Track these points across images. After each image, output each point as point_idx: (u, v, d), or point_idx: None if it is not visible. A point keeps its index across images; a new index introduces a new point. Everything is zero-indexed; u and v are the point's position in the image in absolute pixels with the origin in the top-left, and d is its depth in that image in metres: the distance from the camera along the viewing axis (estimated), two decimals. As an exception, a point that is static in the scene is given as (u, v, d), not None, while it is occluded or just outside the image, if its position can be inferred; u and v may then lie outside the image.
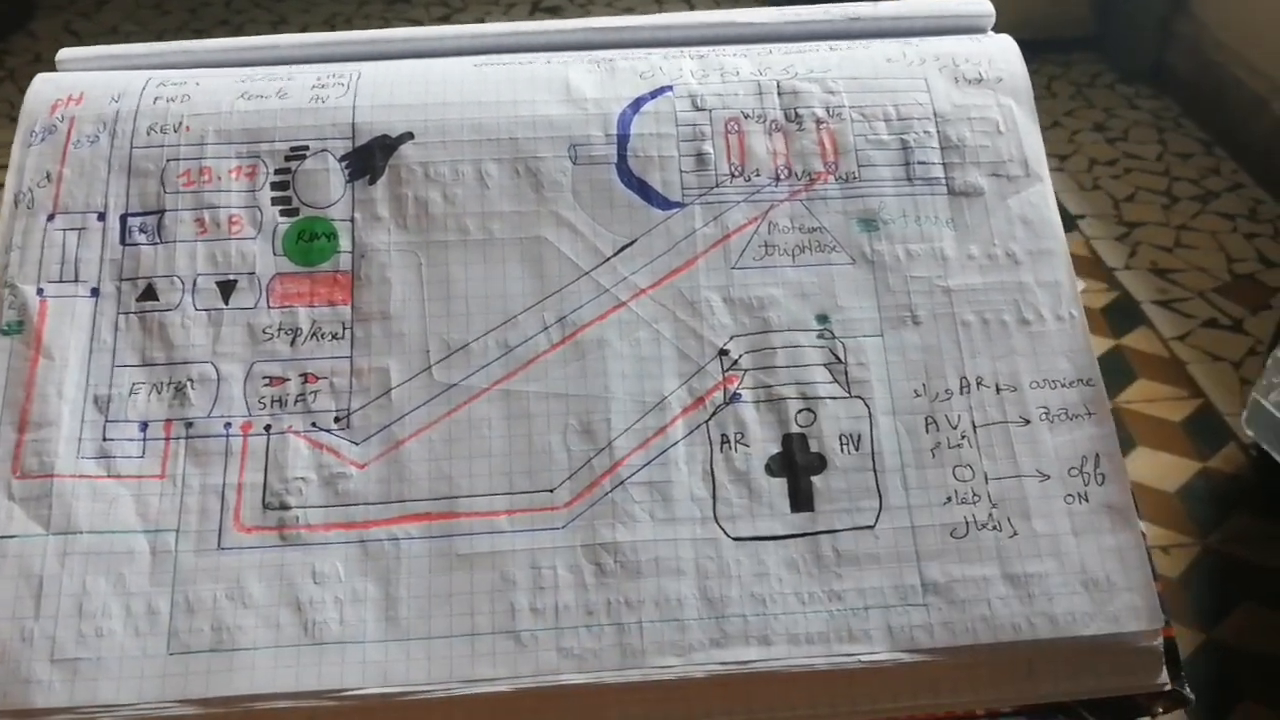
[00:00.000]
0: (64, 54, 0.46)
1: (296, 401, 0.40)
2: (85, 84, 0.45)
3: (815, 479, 0.40)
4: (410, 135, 0.44)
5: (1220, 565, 0.76)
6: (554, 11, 1.77)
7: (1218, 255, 1.09)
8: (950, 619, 0.38)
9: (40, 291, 0.41)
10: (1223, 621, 0.72)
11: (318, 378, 0.41)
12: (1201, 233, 1.13)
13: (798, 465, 0.40)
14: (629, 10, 1.76)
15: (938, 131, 0.44)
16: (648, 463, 0.40)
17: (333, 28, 1.75)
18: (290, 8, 1.81)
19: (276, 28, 1.77)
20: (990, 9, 0.48)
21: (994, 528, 0.39)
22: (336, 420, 0.40)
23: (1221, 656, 0.69)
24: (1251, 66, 1.15)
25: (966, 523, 0.39)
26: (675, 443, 0.40)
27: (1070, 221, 1.14)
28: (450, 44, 0.47)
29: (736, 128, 0.44)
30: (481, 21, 1.79)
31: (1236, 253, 1.06)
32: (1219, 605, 0.73)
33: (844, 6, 0.48)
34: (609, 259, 0.42)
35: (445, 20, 1.78)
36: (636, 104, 0.44)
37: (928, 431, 0.40)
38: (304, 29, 1.77)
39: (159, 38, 1.74)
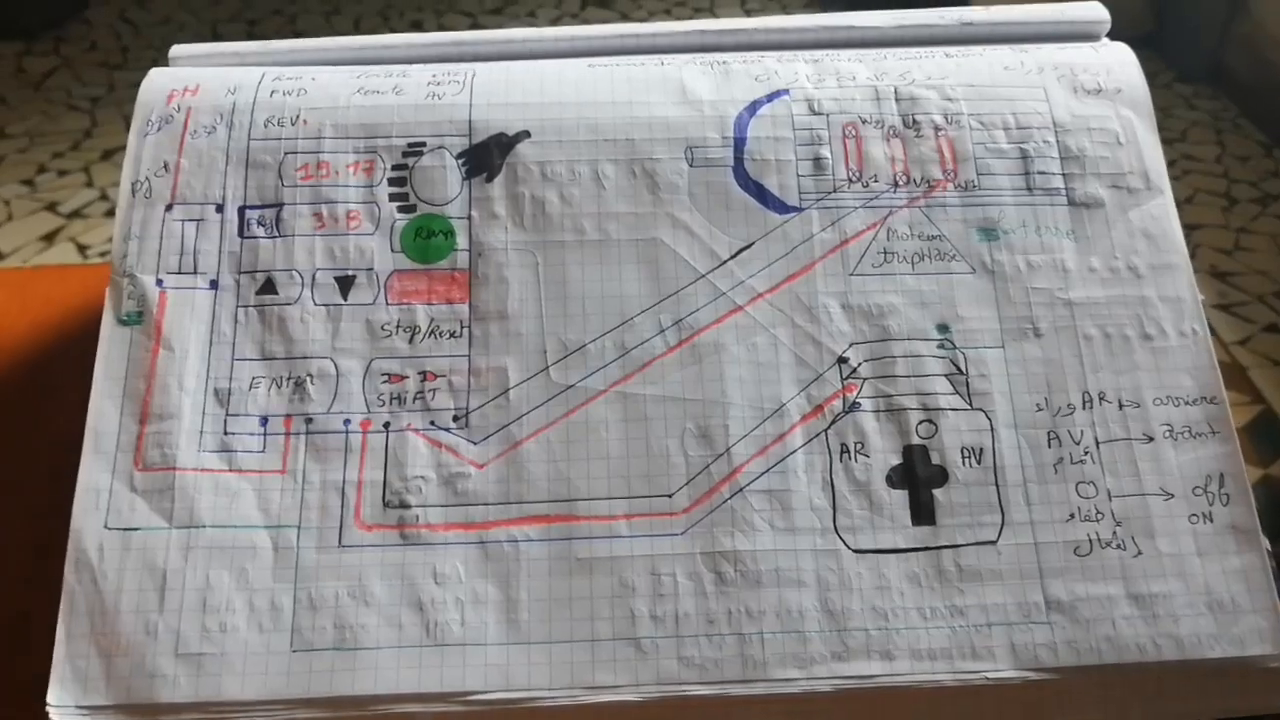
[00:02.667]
0: (176, 50, 0.46)
1: (415, 399, 0.40)
2: (200, 76, 0.45)
3: (936, 492, 0.39)
4: (527, 133, 0.43)
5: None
6: (605, 4, 1.76)
7: (1278, 259, 1.08)
8: (1074, 638, 0.38)
9: (159, 282, 0.41)
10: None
11: (436, 375, 0.41)
12: (1261, 235, 1.12)
13: (919, 477, 0.40)
14: (680, 4, 1.75)
15: (1057, 141, 0.44)
16: (766, 470, 0.40)
17: (385, 18, 1.75)
18: (343, -4, 1.81)
19: (330, 18, 1.77)
20: (1106, 15, 0.47)
21: (1118, 546, 0.39)
22: (455, 419, 0.40)
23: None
24: (1314, 69, 1.14)
25: (1090, 540, 0.39)
26: (794, 451, 0.40)
27: (1129, 222, 1.13)
28: (562, 45, 0.47)
29: (854, 133, 0.44)
30: (533, 13, 1.79)
31: (1297, 256, 1.05)
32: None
33: (958, 11, 0.48)
34: (725, 262, 0.42)
35: (499, 10, 1.78)
36: (753, 107, 0.44)
37: (1050, 446, 0.40)
38: (357, 19, 1.77)
39: (213, 27, 1.75)
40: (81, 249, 1.29)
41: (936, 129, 0.44)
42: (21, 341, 0.48)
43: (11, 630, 0.40)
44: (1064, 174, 0.43)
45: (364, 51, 0.47)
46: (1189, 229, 1.15)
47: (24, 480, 0.44)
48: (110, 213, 1.34)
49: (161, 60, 0.46)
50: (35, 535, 0.42)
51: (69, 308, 0.49)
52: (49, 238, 1.31)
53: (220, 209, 0.42)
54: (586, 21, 1.77)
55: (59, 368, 0.47)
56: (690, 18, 1.78)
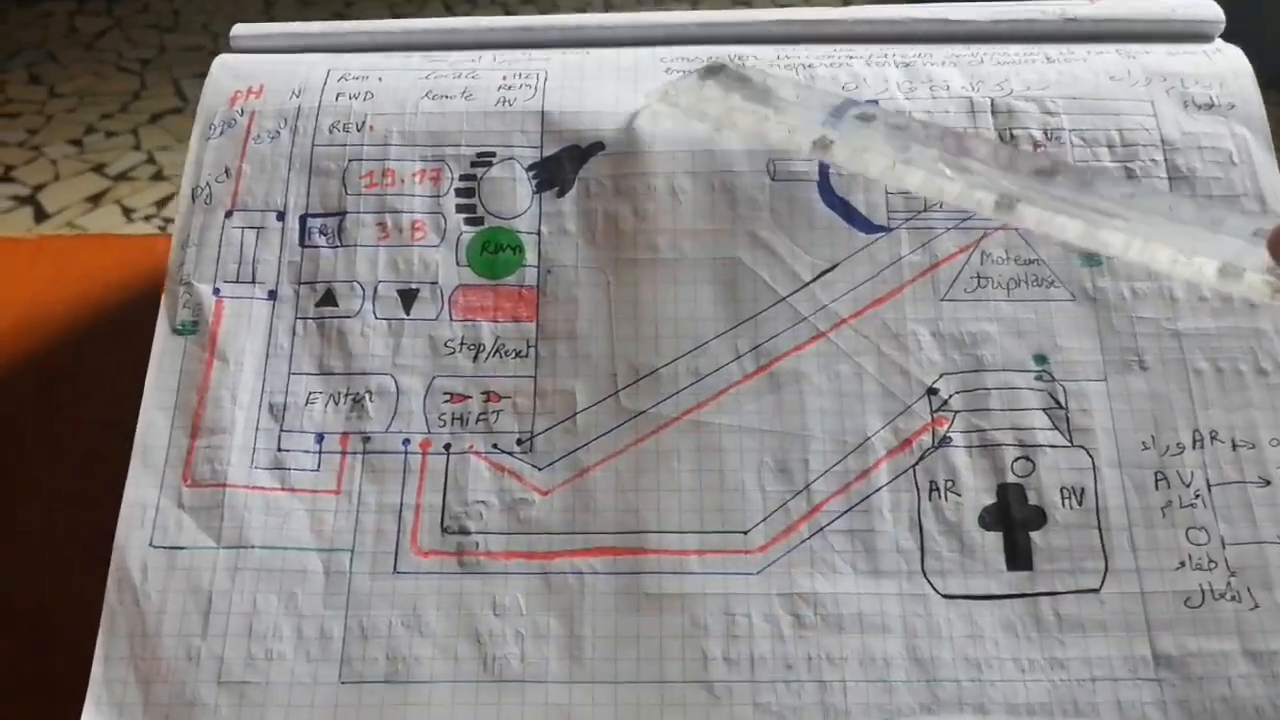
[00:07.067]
0: (238, 30, 0.45)
1: (478, 420, 0.38)
2: (265, 74, 0.43)
3: (1034, 534, 0.36)
4: (601, 146, 0.41)
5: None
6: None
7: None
8: (1186, 697, 0.34)
9: (216, 291, 0.39)
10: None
11: (500, 397, 0.39)
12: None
13: (1014, 519, 0.37)
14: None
15: (1165, 160, 0.41)
16: (849, 509, 0.37)
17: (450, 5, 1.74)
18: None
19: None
20: (1220, 14, 0.44)
21: (1233, 598, 0.36)
22: (519, 443, 0.38)
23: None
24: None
25: (1202, 591, 0.36)
26: (879, 488, 0.37)
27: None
28: (639, 33, 0.45)
29: (947, 150, 0.41)
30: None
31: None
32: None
33: (1061, 5, 0.45)
34: (808, 284, 0.40)
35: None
36: (839, 120, 0.42)
37: (1157, 488, 0.37)
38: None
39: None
40: (127, 212, 1.29)
41: (1035, 145, 0.41)
42: (61, 314, 0.46)
43: (34, 621, 0.39)
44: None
45: (432, 35, 0.45)
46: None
47: (55, 461, 0.43)
48: (157, 176, 1.34)
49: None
50: (63, 520, 0.40)
51: (110, 280, 0.47)
52: (95, 199, 1.31)
53: (281, 217, 0.41)
54: (661, -5, 1.75)
55: (97, 344, 0.46)
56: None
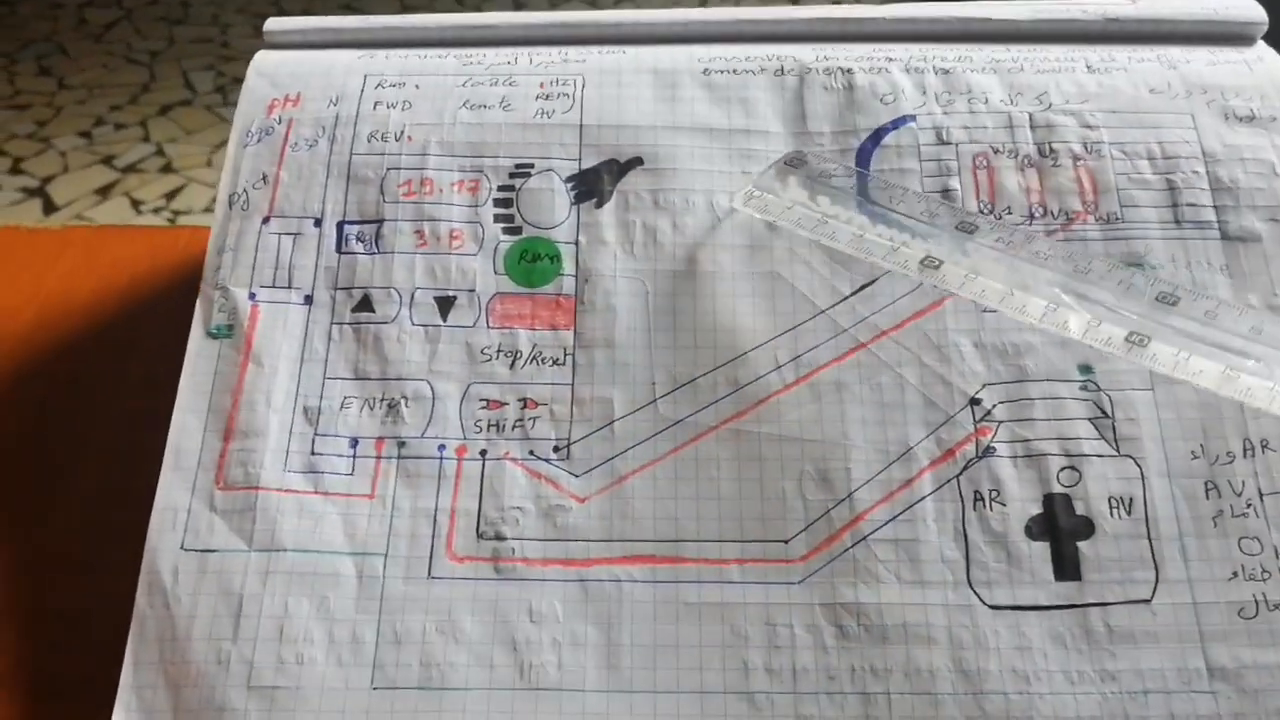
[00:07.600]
0: (272, 24, 0.45)
1: (514, 427, 0.38)
2: (301, 82, 0.43)
3: (1082, 545, 0.36)
4: (639, 160, 0.41)
5: None
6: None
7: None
8: (1242, 710, 0.33)
9: (252, 296, 0.39)
10: None
11: (537, 404, 0.38)
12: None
13: (1062, 529, 0.36)
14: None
15: (1207, 172, 0.41)
16: (892, 518, 0.36)
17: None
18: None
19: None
20: (1263, 16, 0.44)
21: (1288, 610, 0.35)
22: (556, 450, 0.37)
23: None
24: None
25: (1256, 602, 0.35)
26: (923, 498, 0.36)
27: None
28: (674, 30, 0.46)
29: (985, 163, 0.41)
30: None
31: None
32: None
33: (1103, 5, 0.45)
34: (847, 297, 0.39)
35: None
36: (876, 136, 0.42)
37: (1208, 498, 0.36)
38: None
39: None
40: (135, 204, 1.28)
41: (1075, 158, 0.41)
42: (87, 306, 0.46)
43: (64, 621, 0.38)
44: (1215, 206, 0.40)
45: (468, 31, 0.46)
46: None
47: (84, 458, 0.42)
48: (165, 168, 1.34)
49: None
50: (95, 517, 0.40)
51: (136, 272, 0.46)
52: (104, 191, 1.31)
53: (318, 223, 0.40)
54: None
55: (123, 338, 0.45)
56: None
